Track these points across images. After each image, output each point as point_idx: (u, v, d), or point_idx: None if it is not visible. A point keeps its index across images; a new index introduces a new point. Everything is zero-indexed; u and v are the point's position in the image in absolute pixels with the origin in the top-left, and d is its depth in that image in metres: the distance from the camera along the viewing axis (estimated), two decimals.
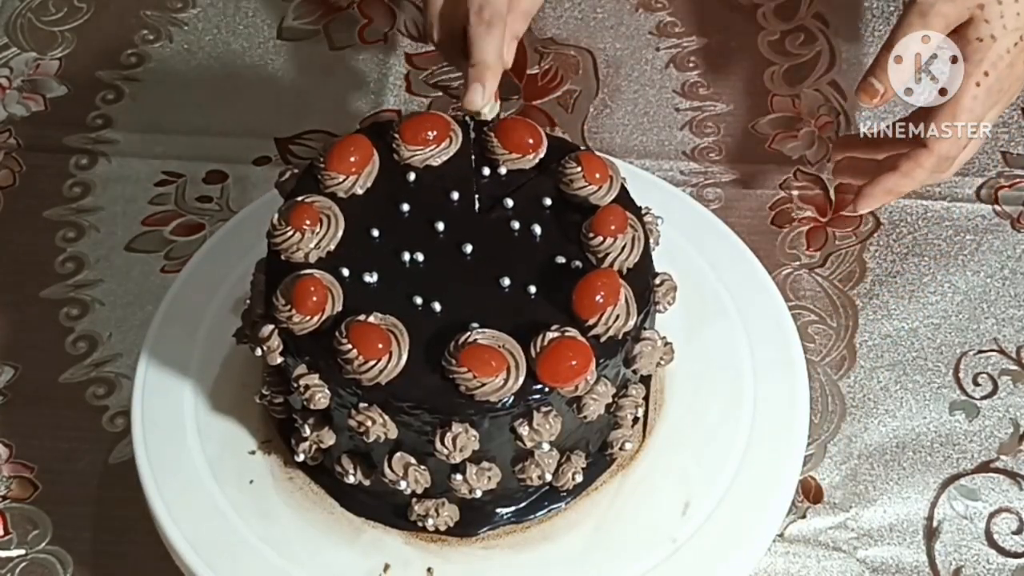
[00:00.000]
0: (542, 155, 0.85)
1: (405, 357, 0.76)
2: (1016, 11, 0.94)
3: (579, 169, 0.82)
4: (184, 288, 0.94)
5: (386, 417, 0.76)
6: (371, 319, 0.76)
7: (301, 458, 0.83)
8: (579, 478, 0.82)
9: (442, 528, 0.82)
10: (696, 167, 1.13)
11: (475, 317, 0.77)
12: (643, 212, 0.84)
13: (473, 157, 0.84)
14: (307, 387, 0.77)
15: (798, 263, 1.06)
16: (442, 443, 0.76)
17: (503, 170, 0.84)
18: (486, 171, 0.84)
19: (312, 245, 0.80)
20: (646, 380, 0.85)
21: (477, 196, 0.83)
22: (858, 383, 1.00)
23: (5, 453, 0.98)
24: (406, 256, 0.80)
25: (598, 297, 0.77)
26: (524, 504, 0.83)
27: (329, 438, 0.81)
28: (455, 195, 0.83)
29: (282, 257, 0.80)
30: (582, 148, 0.85)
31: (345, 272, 0.79)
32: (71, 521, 0.95)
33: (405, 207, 0.82)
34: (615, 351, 0.78)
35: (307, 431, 0.81)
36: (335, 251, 0.80)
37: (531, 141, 0.84)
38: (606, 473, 0.85)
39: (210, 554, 0.82)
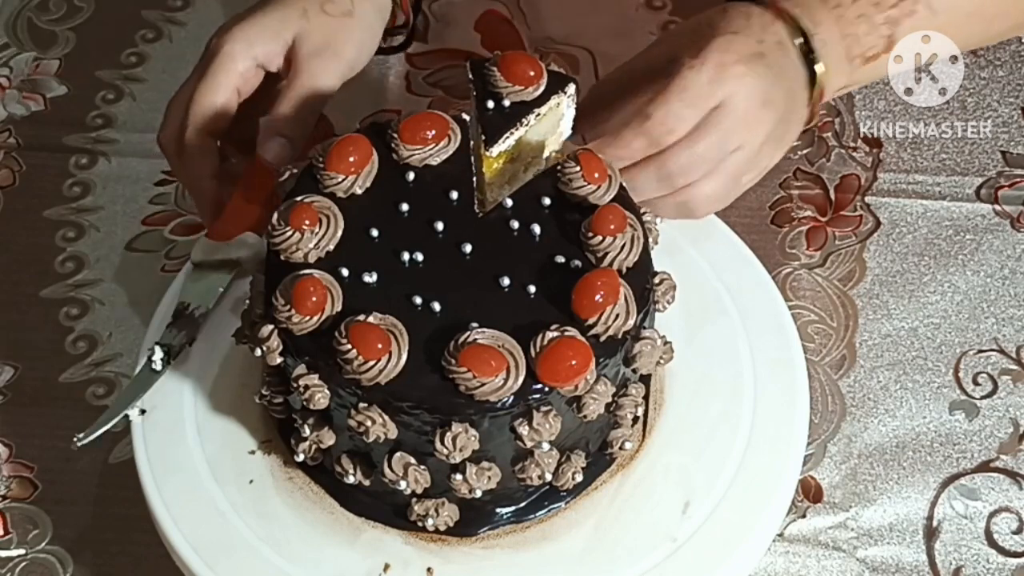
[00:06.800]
0: (543, 88, 0.85)
1: (405, 357, 0.75)
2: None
3: (578, 168, 0.82)
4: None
5: (386, 417, 0.76)
6: (371, 319, 0.76)
7: (301, 458, 0.83)
8: (579, 478, 0.82)
9: (442, 528, 0.81)
10: None
11: (475, 317, 0.77)
12: (642, 211, 0.84)
13: (475, 93, 0.85)
14: (307, 387, 0.77)
15: (798, 263, 1.06)
16: (442, 443, 0.76)
17: (507, 103, 0.84)
18: (490, 104, 0.84)
19: (311, 245, 0.80)
20: (646, 379, 0.85)
21: (482, 129, 0.83)
22: (858, 383, 1.00)
23: (5, 453, 0.98)
24: (405, 256, 0.80)
25: (597, 296, 0.77)
26: (524, 504, 0.83)
27: (329, 438, 0.81)
28: (454, 194, 0.83)
29: (281, 257, 0.80)
30: (574, 79, 0.86)
31: (344, 272, 0.79)
32: (71, 521, 0.95)
33: (404, 207, 0.82)
34: (615, 350, 0.78)
35: (307, 431, 0.81)
36: (334, 251, 0.80)
37: (532, 73, 0.85)
38: (606, 473, 0.85)
39: (210, 554, 0.82)
